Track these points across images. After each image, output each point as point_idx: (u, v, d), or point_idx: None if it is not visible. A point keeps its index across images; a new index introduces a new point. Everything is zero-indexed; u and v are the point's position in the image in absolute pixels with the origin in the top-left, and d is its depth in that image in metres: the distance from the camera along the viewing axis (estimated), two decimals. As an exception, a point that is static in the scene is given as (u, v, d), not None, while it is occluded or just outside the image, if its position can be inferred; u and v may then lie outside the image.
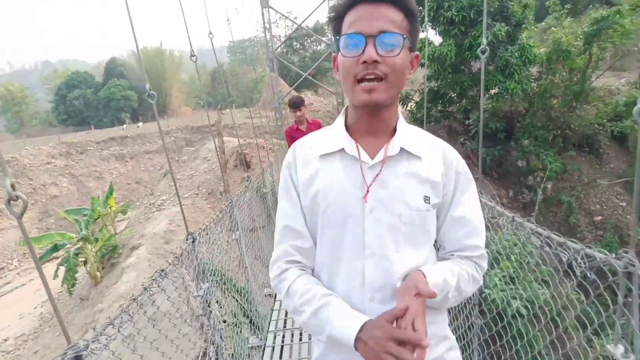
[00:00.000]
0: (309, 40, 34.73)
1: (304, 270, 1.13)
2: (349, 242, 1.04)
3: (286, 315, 4.16)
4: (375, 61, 0.95)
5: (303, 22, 15.14)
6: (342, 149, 1.06)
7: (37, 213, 18.56)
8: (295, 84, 21.03)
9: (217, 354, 2.77)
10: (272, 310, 4.36)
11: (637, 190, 1.33)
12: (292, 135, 4.67)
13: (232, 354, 3.21)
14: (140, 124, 40.47)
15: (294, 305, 1.08)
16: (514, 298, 3.84)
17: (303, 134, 4.41)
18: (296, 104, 4.56)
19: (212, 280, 3.02)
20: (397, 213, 1.03)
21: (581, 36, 12.59)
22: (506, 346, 2.49)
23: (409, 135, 1.09)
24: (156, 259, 8.98)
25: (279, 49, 20.55)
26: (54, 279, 9.47)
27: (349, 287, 1.05)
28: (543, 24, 15.92)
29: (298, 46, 36.42)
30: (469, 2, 10.05)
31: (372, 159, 1.05)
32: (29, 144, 23.00)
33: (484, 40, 2.45)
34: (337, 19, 1.04)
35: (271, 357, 3.45)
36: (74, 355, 1.30)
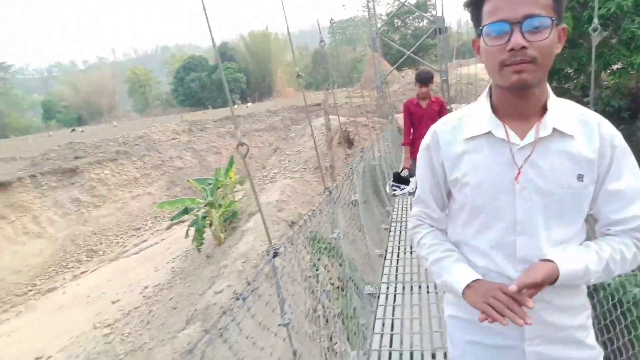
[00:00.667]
0: (410, 17, 34.02)
1: (434, 227, 1.26)
2: (499, 220, 1.07)
3: (397, 271, 4.39)
4: (523, 47, 0.93)
5: None
6: (490, 132, 1.05)
7: (166, 182, 21.23)
8: (398, 63, 21.15)
9: (324, 311, 3.08)
10: (384, 267, 4.56)
11: None
12: (411, 110, 4.58)
13: (339, 313, 3.55)
14: (249, 104, 43.14)
15: (422, 254, 1.23)
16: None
17: (422, 110, 4.49)
18: (425, 80, 4.37)
19: (317, 248, 3.32)
20: (548, 192, 1.03)
21: None
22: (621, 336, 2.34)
23: (560, 112, 1.04)
24: (270, 224, 9.97)
25: (380, 28, 20.65)
26: (185, 238, 11.01)
27: (499, 260, 1.08)
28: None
29: (399, 24, 35.95)
30: (588, -29, 9.50)
31: (522, 139, 1.03)
32: (156, 122, 25.94)
33: (596, 20, 2.40)
34: (473, 5, 1.03)
35: (386, 301, 3.73)
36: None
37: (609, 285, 2.53)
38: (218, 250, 10.81)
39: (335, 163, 11.55)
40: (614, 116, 11.89)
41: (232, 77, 56.46)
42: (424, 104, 4.48)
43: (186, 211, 11.02)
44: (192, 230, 10.77)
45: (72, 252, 16.78)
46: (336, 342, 3.26)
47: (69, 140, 21.32)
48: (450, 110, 6.07)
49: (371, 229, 5.67)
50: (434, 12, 28.58)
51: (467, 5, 1.05)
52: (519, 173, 1.02)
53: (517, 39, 0.93)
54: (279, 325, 2.17)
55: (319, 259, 3.74)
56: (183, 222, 17.58)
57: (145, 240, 17.26)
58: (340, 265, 5.03)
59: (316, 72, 55.39)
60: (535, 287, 0.98)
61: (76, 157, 19.32)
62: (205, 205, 10.67)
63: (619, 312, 2.41)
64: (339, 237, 3.88)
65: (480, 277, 1.07)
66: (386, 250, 4.90)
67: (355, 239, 5.05)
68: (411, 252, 4.68)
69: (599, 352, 1.17)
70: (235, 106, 37.41)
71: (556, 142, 1.02)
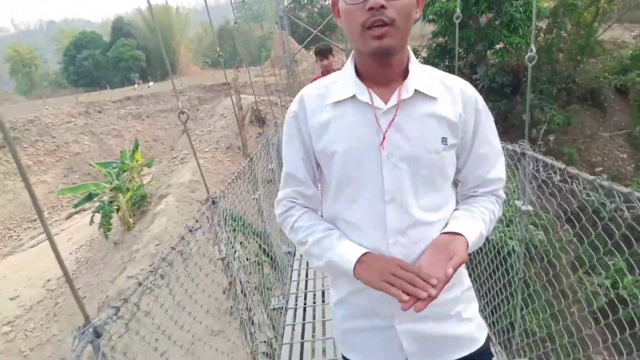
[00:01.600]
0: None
1: (308, 208, 1.17)
2: (367, 189, 1.04)
3: (307, 276, 4.22)
4: (382, 6, 0.92)
5: None
6: (354, 95, 1.04)
7: (62, 169, 19.62)
8: (306, 42, 21.32)
9: (242, 286, 3.04)
10: (292, 269, 4.41)
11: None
12: None
13: (257, 287, 3.58)
14: (150, 83, 40.95)
15: (299, 239, 1.12)
16: (511, 238, 4.01)
17: None
18: (323, 52, 4.15)
19: (233, 226, 3.24)
20: (415, 157, 1.02)
21: (588, -11, 12.79)
22: (507, 285, 2.68)
23: (422, 75, 1.05)
24: (183, 206, 9.82)
25: (287, 6, 20.63)
26: (90, 225, 10.42)
27: (371, 233, 1.05)
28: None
29: (306, 1, 36.14)
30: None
31: (386, 103, 1.02)
32: (47, 104, 23.76)
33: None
34: None
35: (294, 319, 3.51)
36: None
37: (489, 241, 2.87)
38: (128, 235, 10.41)
39: (247, 142, 11.55)
40: (498, 91, 13.16)
41: (130, 55, 53.04)
42: None
43: (90, 197, 10.41)
44: (97, 217, 10.22)
45: (-41, 248, 15.07)
46: (254, 314, 3.33)
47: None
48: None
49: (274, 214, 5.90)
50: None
51: None
52: (383, 138, 1.01)
53: None
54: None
55: (235, 237, 3.76)
56: (85, 210, 16.56)
57: (42, 232, 15.98)
58: (257, 237, 5.06)
59: (222, 49, 53.87)
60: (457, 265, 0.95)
61: (-45, 146, 17.15)
62: (111, 190, 10.16)
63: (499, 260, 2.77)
64: (260, 198, 4.17)
65: (368, 250, 1.02)
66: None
67: (270, 214, 5.25)
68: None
69: (480, 324, 1.16)
70: (136, 86, 35.35)
71: (420, 104, 1.02)
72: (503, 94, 13.42)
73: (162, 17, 56.48)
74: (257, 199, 4.21)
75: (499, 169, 1.13)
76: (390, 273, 0.94)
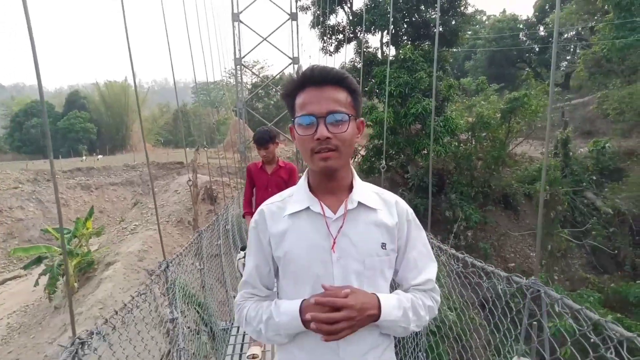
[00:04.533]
0: (273, 90, 36.79)
1: (259, 297, 1.29)
2: (319, 289, 1.13)
3: (241, 350, 4.38)
4: (328, 137, 1.09)
5: (272, 78, 17.07)
6: (308, 207, 1.19)
7: (2, 234, 19.20)
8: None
9: (180, 355, 3.20)
10: (227, 345, 4.58)
11: (538, 240, 2.38)
12: (253, 175, 3.90)
13: (194, 353, 3.78)
14: (100, 156, 41.02)
15: (253, 328, 1.22)
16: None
17: (267, 176, 3.83)
18: (261, 140, 3.67)
19: (177, 293, 3.29)
20: (360, 260, 1.16)
21: (499, 112, 15.40)
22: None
23: (364, 190, 1.23)
24: (130, 273, 10.32)
25: (247, 99, 22.41)
26: (35, 286, 10.61)
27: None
28: (474, 98, 18.81)
29: (263, 94, 38.76)
30: (405, 80, 12.64)
31: (335, 213, 1.18)
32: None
33: (383, 163, 4.16)
34: (288, 97, 1.18)
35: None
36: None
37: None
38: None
39: (198, 217, 12.43)
40: (425, 190, 14.99)
41: (81, 127, 53.06)
42: (269, 169, 3.81)
43: (39, 260, 10.71)
44: (43, 279, 10.47)
45: None
46: None
47: None
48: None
49: (232, 275, 6.55)
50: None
51: (283, 97, 1.21)
52: (334, 243, 1.15)
53: (322, 131, 1.09)
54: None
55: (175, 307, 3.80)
56: (19, 277, 16.29)
57: (-31, 298, 15.36)
58: (199, 307, 5.39)
59: (177, 130, 55.16)
60: (348, 307, 1.07)
61: None
62: (60, 254, 10.55)
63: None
64: (204, 270, 4.66)
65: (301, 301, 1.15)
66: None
67: (212, 287, 5.58)
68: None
69: None
70: (84, 158, 35.37)
71: (363, 214, 1.19)
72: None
73: (118, 93, 57.69)
74: (201, 270, 4.49)
75: (429, 272, 1.28)
76: (314, 304, 1.10)
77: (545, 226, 15.00)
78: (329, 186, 1.20)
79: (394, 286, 1.31)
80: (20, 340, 10.66)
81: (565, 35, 33.10)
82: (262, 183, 3.84)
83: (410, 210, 1.28)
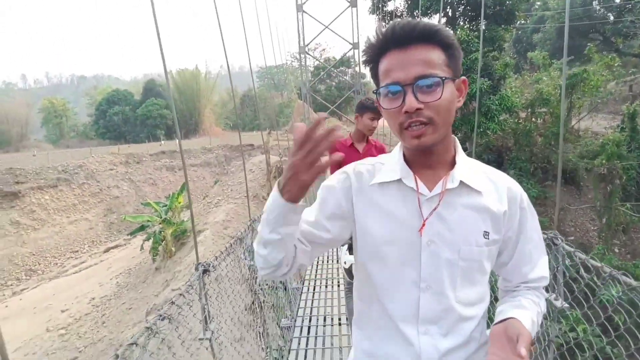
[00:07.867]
0: (335, 71, 37.64)
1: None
2: (404, 273, 1.02)
3: (312, 304, 4.92)
4: (418, 109, 0.92)
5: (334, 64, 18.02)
6: (400, 179, 1.04)
7: (102, 209, 22.33)
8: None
9: (261, 305, 3.71)
10: (300, 299, 5.15)
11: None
12: (340, 152, 2.57)
13: (273, 305, 4.35)
14: (177, 140, 44.10)
15: (256, 242, 1.02)
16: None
17: (358, 155, 3.19)
18: (377, 109, 2.75)
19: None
20: (455, 248, 1.00)
21: (559, 88, 15.52)
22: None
23: (469, 168, 1.05)
24: (218, 239, 12.10)
25: (311, 82, 23.69)
26: (140, 250, 12.80)
27: (403, 318, 1.03)
28: (535, 74, 18.83)
29: (325, 76, 39.82)
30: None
31: (430, 191, 1.01)
32: (77, 154, 26.96)
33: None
34: (371, 63, 1.03)
35: (300, 333, 4.25)
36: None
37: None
38: (169, 262, 12.67)
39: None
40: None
41: (158, 113, 56.89)
42: (360, 147, 3.26)
43: (142, 228, 12.86)
44: (147, 244, 12.58)
45: (11, 271, 17.40)
46: (268, 327, 3.89)
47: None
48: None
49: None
50: (354, 68, 30.43)
51: (365, 63, 1.04)
52: (423, 225, 1.00)
53: (410, 102, 0.92)
54: (199, 339, 2.22)
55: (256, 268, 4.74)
56: (120, 245, 18.95)
57: (84, 262, 18.27)
58: None
59: (244, 113, 57.73)
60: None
61: (17, 182, 20.02)
62: (160, 222, 12.59)
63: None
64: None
65: (398, 340, 1.05)
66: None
67: None
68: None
69: None
70: (162, 142, 38.50)
71: (464, 196, 1.02)
72: (489, 169, 15.83)
73: (190, 81, 61.13)
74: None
75: (542, 268, 1.13)
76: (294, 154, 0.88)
77: (604, 200, 15.16)
78: (427, 160, 1.04)
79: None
80: (130, 294, 12.89)
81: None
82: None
83: (525, 196, 1.08)
